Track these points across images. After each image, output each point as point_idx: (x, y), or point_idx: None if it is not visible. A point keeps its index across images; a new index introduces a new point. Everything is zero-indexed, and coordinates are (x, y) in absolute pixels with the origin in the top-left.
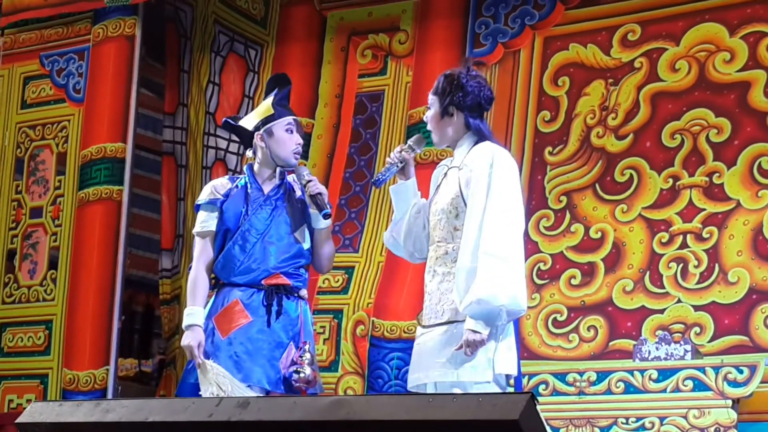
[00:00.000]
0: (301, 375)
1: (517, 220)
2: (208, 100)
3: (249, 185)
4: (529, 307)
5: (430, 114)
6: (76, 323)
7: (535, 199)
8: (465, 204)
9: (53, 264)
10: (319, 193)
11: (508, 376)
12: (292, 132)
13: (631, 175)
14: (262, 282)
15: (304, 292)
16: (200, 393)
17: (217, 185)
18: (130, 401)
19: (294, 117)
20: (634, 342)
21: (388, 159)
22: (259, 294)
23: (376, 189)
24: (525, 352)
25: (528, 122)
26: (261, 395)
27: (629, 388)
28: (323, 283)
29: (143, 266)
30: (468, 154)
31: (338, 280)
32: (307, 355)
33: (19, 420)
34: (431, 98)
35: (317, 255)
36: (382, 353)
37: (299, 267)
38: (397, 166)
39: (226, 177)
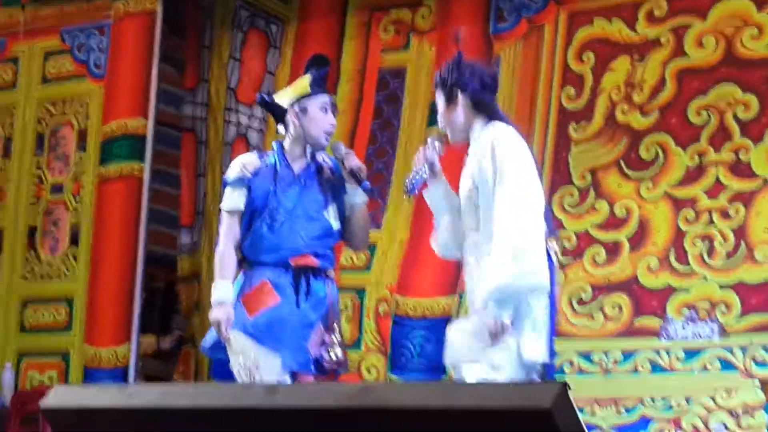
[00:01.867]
0: (332, 355)
1: (531, 201)
2: (229, 75)
3: (278, 163)
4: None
5: (440, 111)
6: (98, 300)
7: (559, 175)
8: (479, 194)
9: (74, 240)
10: (359, 167)
11: (538, 363)
12: (326, 112)
13: (657, 151)
14: (290, 261)
15: (331, 272)
16: (230, 366)
17: (246, 162)
18: (155, 386)
19: (330, 97)
20: (660, 320)
21: (414, 163)
22: (288, 274)
23: (409, 190)
24: None
25: (552, 98)
26: (287, 380)
27: (655, 368)
28: (345, 260)
29: (164, 242)
30: (476, 141)
31: (361, 258)
32: (337, 336)
33: (43, 404)
34: (437, 96)
35: (353, 232)
36: (405, 331)
37: (328, 247)
38: (424, 171)
39: (255, 154)
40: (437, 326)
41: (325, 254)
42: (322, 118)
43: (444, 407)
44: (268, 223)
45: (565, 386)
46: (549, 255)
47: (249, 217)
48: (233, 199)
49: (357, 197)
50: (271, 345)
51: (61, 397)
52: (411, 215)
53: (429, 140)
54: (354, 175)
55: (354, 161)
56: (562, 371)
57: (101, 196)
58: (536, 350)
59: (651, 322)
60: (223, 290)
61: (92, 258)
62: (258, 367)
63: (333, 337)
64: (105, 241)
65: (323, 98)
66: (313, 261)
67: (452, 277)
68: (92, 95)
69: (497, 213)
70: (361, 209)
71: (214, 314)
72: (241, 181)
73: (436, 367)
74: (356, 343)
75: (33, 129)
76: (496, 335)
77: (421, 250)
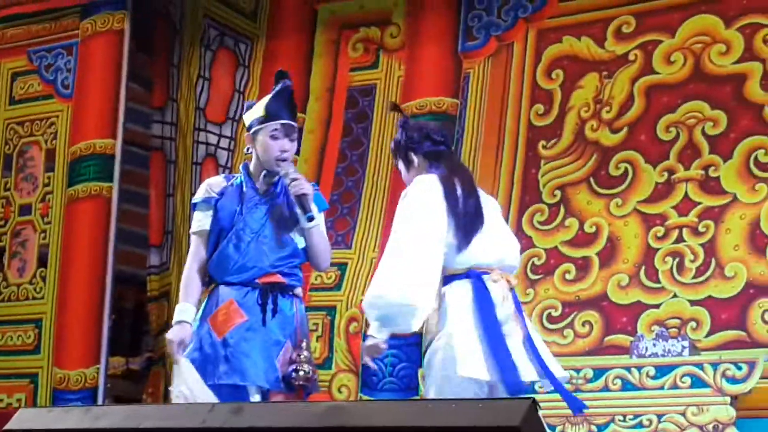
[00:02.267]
0: (301, 373)
1: (413, 242)
2: (198, 94)
3: (244, 184)
4: (522, 303)
5: (404, 177)
6: (66, 321)
7: (528, 193)
8: None
9: (42, 262)
10: (303, 194)
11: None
12: (276, 138)
13: (626, 168)
14: (257, 281)
15: (299, 290)
16: (170, 388)
17: (213, 183)
18: (121, 407)
19: (284, 122)
20: (630, 337)
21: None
22: (254, 293)
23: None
24: None
25: (521, 116)
26: (256, 399)
27: (626, 385)
28: (316, 279)
29: (133, 262)
30: None
31: (331, 277)
32: (306, 353)
33: (7, 427)
34: (397, 164)
35: (311, 254)
36: None
37: (294, 266)
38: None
39: (222, 175)
40: (408, 345)
41: (292, 273)
42: (272, 146)
43: (414, 426)
44: (234, 243)
45: (534, 403)
46: None
47: (216, 238)
48: (199, 221)
49: (304, 222)
50: (240, 363)
51: (25, 419)
52: (381, 234)
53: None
54: (299, 201)
55: (298, 188)
56: (533, 389)
57: (69, 217)
58: (471, 367)
59: (621, 339)
60: (183, 312)
61: (60, 279)
62: (195, 399)
63: (302, 355)
64: (73, 261)
65: (273, 124)
66: (280, 279)
67: None
68: (60, 115)
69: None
70: (312, 233)
71: (169, 333)
72: (206, 202)
73: (408, 387)
74: (327, 362)
75: (0, 150)
76: (367, 354)
77: None
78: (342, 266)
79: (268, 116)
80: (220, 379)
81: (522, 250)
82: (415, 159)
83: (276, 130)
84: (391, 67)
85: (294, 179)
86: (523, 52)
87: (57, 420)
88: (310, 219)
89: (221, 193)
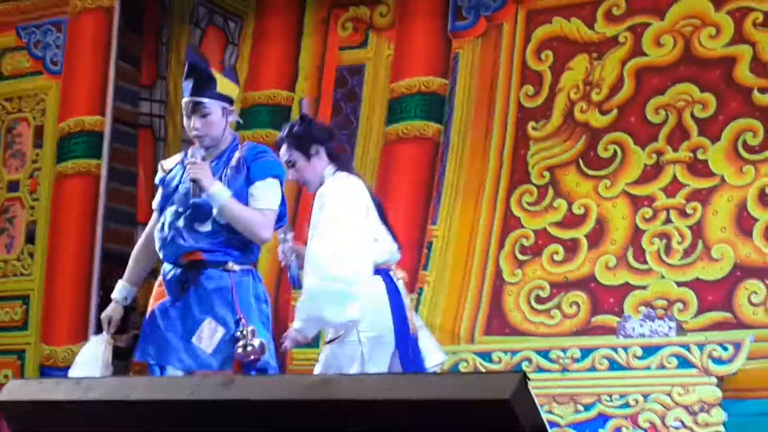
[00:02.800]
0: (249, 348)
1: (341, 243)
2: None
3: (184, 161)
4: (511, 283)
5: (300, 166)
6: (54, 298)
7: (517, 174)
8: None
9: (30, 238)
10: (195, 179)
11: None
12: (188, 117)
13: (615, 150)
14: (180, 259)
15: (231, 265)
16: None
17: (165, 162)
18: (111, 379)
19: (187, 99)
20: (617, 318)
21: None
22: (176, 270)
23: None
24: (507, 328)
25: (511, 97)
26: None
27: (613, 365)
28: None
29: (120, 240)
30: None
31: None
32: (248, 328)
33: None
34: (293, 155)
35: (236, 229)
36: None
37: (219, 242)
38: (293, 260)
39: (181, 153)
40: None
41: (217, 249)
42: (186, 124)
43: (403, 399)
44: (162, 222)
45: (524, 376)
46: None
47: (159, 215)
48: (154, 200)
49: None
50: (162, 343)
51: (15, 390)
52: None
53: (279, 236)
54: (193, 185)
55: (191, 173)
56: (520, 369)
57: (58, 194)
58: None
59: (608, 320)
60: (116, 290)
61: (48, 256)
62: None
63: (243, 331)
64: (61, 238)
65: (185, 101)
66: (200, 257)
67: (411, 277)
68: (49, 92)
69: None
70: (224, 211)
71: (103, 313)
72: (159, 181)
73: None
74: (315, 341)
75: None
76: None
77: None
78: None
79: (185, 93)
80: (140, 357)
81: (510, 231)
82: (321, 151)
83: (184, 108)
84: (381, 46)
85: (190, 162)
86: (512, 33)
87: (47, 391)
88: (175, 212)
89: (169, 171)
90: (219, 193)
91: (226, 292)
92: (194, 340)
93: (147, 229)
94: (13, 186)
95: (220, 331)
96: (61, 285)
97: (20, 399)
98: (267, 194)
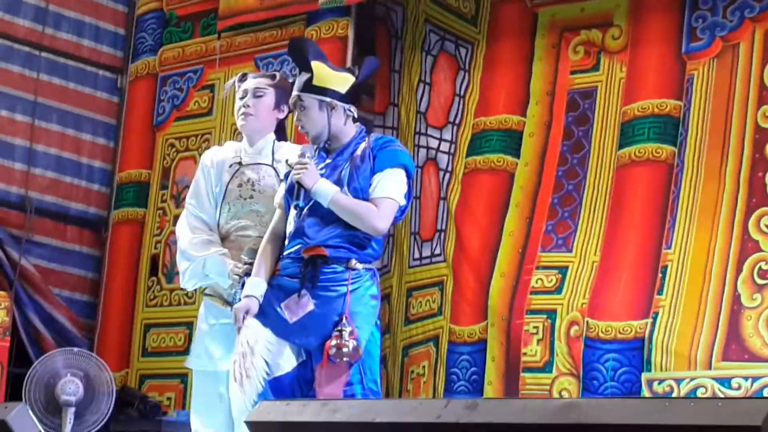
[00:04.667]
0: (344, 350)
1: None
2: (419, 99)
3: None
4: (749, 308)
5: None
6: None
7: (756, 196)
8: None
9: None
10: (296, 182)
11: None
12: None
13: None
14: (303, 254)
15: (354, 263)
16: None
17: (291, 158)
18: (357, 402)
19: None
20: None
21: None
22: (296, 265)
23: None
24: (746, 354)
25: (748, 117)
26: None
27: None
28: (536, 283)
29: None
30: None
31: (551, 280)
32: (348, 328)
33: (247, 419)
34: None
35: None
36: (597, 354)
37: (341, 238)
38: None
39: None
40: (631, 350)
41: (339, 246)
42: None
43: (650, 424)
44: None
45: None
46: None
47: (286, 210)
48: (278, 194)
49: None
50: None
51: (265, 412)
52: (602, 237)
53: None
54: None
55: (294, 173)
56: (761, 395)
57: None
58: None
59: None
60: (254, 286)
61: None
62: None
63: (343, 330)
64: None
65: None
66: (324, 252)
67: (645, 302)
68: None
69: None
70: (330, 208)
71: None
72: (284, 176)
73: (630, 392)
74: (548, 366)
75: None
76: None
77: (612, 273)
78: (563, 269)
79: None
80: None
81: (748, 255)
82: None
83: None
84: (613, 69)
85: (297, 162)
86: (749, 53)
87: (295, 413)
88: (296, 207)
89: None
90: (322, 188)
91: (342, 290)
92: (282, 305)
93: (271, 225)
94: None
95: (310, 306)
96: None
97: (270, 420)
98: (386, 184)
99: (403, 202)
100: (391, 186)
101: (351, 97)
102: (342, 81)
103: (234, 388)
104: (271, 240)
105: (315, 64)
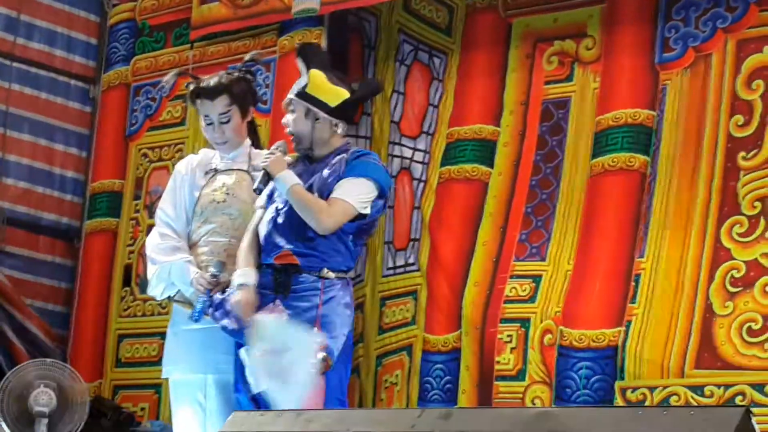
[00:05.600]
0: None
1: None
2: (392, 109)
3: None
4: (722, 316)
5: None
6: None
7: (727, 205)
8: None
9: None
10: (263, 168)
11: None
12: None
13: None
14: (275, 260)
15: (326, 272)
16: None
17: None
18: (331, 411)
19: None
20: None
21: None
22: (269, 272)
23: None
24: (719, 362)
25: (720, 127)
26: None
27: None
28: (510, 292)
29: None
30: None
31: (525, 289)
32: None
33: (221, 429)
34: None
35: None
36: (571, 363)
37: (314, 246)
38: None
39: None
40: (604, 358)
41: (311, 254)
42: None
43: None
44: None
45: (747, 412)
46: None
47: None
48: (260, 198)
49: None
50: None
51: (238, 422)
52: (575, 246)
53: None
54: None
55: (264, 162)
56: (733, 403)
57: None
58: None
59: None
60: (246, 275)
61: None
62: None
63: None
64: None
65: None
66: (295, 260)
67: (618, 310)
68: (259, 130)
69: None
70: (286, 197)
71: (236, 296)
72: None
73: (603, 400)
74: (521, 374)
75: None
76: None
77: (586, 281)
78: (536, 278)
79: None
80: None
81: (721, 263)
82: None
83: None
84: (586, 79)
85: (270, 153)
86: (722, 63)
87: (269, 423)
88: (255, 190)
89: None
90: (286, 177)
91: (315, 300)
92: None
93: (252, 225)
94: None
95: (284, 316)
96: None
97: (243, 430)
98: (347, 187)
99: (361, 209)
100: (351, 190)
101: (341, 112)
102: (335, 95)
103: (270, 385)
104: (254, 237)
105: (313, 72)
